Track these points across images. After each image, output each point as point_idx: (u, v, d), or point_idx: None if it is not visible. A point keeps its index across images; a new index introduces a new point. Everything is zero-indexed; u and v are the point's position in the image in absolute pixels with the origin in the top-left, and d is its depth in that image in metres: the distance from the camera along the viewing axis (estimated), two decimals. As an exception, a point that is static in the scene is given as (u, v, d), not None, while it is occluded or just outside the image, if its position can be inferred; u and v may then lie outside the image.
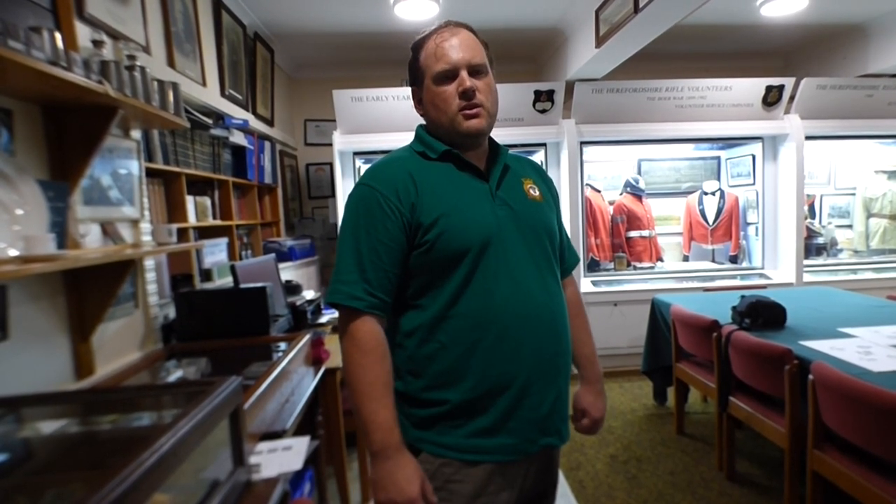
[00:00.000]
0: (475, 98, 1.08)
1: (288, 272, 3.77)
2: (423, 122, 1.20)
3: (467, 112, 1.08)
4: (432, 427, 1.07)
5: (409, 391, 1.09)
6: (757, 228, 4.48)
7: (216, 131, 3.13)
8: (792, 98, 4.13)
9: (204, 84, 3.07)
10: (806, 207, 4.52)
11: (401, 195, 1.06)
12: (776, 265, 4.39)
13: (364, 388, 1.01)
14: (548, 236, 1.16)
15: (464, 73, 1.08)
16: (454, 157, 1.12)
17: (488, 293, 1.05)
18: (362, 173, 1.15)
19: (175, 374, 1.82)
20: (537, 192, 1.19)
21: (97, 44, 1.70)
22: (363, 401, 1.01)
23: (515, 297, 1.07)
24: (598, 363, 1.29)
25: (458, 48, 1.08)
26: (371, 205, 1.06)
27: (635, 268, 4.52)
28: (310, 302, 2.82)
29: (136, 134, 2.03)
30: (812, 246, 4.66)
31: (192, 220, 2.78)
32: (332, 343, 2.25)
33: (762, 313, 2.47)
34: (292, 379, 1.81)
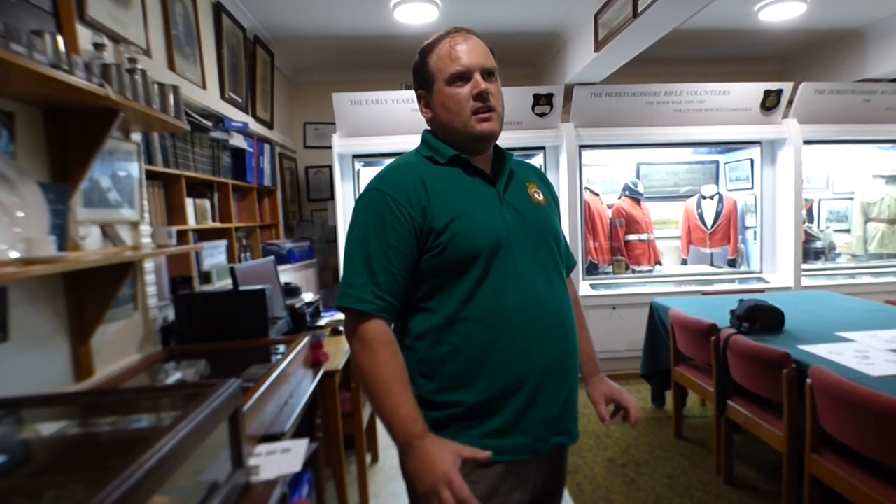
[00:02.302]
0: (490, 101, 1.10)
1: (287, 274, 3.77)
2: (426, 126, 1.20)
3: (481, 115, 1.10)
4: (445, 429, 1.06)
5: (422, 393, 1.08)
6: (755, 232, 4.49)
7: (216, 134, 3.14)
8: (790, 102, 4.15)
9: (204, 87, 3.08)
10: (804, 211, 4.53)
11: (412, 200, 1.07)
12: (774, 269, 4.40)
13: (381, 385, 1.01)
14: (553, 239, 1.18)
15: (478, 76, 1.09)
16: (462, 161, 1.13)
17: (499, 295, 1.06)
18: (370, 178, 1.15)
19: (174, 377, 1.82)
20: (541, 196, 1.21)
21: (98, 47, 1.71)
22: (382, 399, 1.01)
23: (526, 298, 1.08)
24: (597, 358, 1.32)
25: (472, 52, 1.10)
26: (382, 209, 1.06)
27: (634, 271, 4.53)
28: (309, 304, 2.82)
29: (136, 136, 2.03)
30: (810, 250, 4.67)
31: (191, 222, 2.79)
32: (331, 345, 2.26)
33: (760, 317, 2.48)
34: (291, 381, 1.82)
